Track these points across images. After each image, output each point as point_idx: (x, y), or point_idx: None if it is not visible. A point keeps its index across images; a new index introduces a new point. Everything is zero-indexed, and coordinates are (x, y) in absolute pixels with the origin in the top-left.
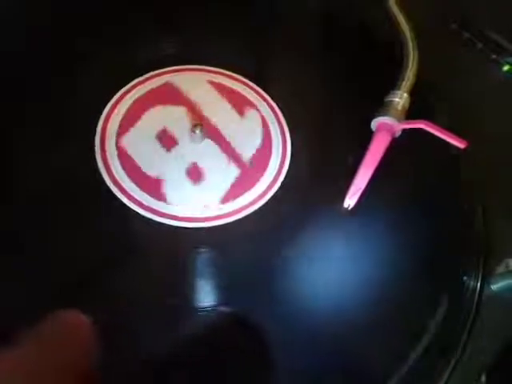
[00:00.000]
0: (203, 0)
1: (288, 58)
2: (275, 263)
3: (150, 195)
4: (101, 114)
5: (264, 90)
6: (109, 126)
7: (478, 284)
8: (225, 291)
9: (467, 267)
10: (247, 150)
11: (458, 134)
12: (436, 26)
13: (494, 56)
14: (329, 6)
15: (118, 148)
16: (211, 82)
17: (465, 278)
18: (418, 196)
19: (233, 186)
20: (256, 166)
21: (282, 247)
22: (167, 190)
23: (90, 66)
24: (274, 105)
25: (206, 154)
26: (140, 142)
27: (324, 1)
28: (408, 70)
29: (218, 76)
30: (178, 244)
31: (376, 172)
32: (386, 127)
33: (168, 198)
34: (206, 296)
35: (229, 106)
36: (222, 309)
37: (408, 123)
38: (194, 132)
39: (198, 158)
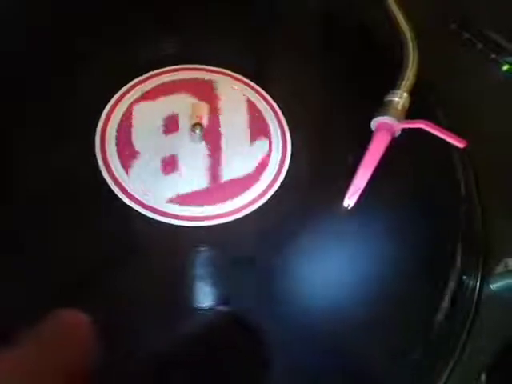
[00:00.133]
0: (203, 0)
1: (288, 57)
2: (275, 262)
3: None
4: (101, 113)
5: (264, 89)
6: (109, 125)
7: (478, 284)
8: (224, 290)
9: (466, 267)
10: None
11: (458, 133)
12: (436, 25)
13: (493, 56)
14: (329, 6)
15: (118, 147)
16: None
17: (464, 277)
18: (418, 195)
19: (194, 193)
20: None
21: (282, 246)
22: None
23: (89, 65)
24: (275, 104)
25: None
26: (139, 142)
27: (324, 1)
28: (408, 70)
29: (217, 76)
30: (179, 243)
31: (376, 172)
32: (386, 127)
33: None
34: (205, 295)
35: (228, 106)
36: (222, 308)
37: (408, 123)
38: (193, 132)
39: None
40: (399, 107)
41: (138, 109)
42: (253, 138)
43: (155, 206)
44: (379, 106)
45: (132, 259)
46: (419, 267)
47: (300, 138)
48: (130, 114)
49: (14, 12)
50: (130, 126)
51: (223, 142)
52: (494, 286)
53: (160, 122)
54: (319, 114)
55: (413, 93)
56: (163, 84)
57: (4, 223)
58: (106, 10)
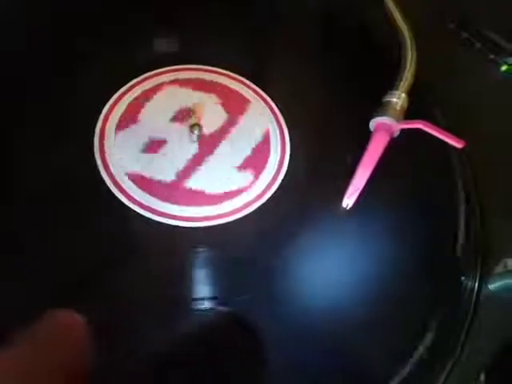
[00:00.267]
0: (203, 0)
1: (287, 58)
2: (274, 263)
3: (150, 194)
4: (100, 113)
5: (263, 89)
6: (108, 125)
7: (476, 284)
8: (223, 291)
9: (465, 267)
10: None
11: (456, 133)
12: (434, 25)
13: (492, 56)
14: (328, 6)
15: (132, 177)
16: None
17: (463, 277)
18: (416, 196)
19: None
20: (255, 166)
21: (281, 247)
22: None
23: (89, 66)
24: (273, 105)
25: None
26: (139, 141)
27: (324, 1)
28: (406, 71)
29: (217, 76)
30: (177, 243)
31: (374, 172)
32: (385, 127)
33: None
34: (204, 295)
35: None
36: (221, 308)
37: (406, 123)
38: (192, 132)
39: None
40: (398, 108)
41: (127, 132)
42: (244, 118)
43: (153, 207)
44: (378, 106)
45: (131, 259)
46: (418, 267)
47: (299, 138)
48: (129, 114)
49: (13, 12)
50: (129, 125)
51: (223, 142)
52: (492, 287)
53: (160, 122)
54: (318, 115)
55: (411, 93)
56: (163, 84)
57: (4, 223)
58: (105, 10)
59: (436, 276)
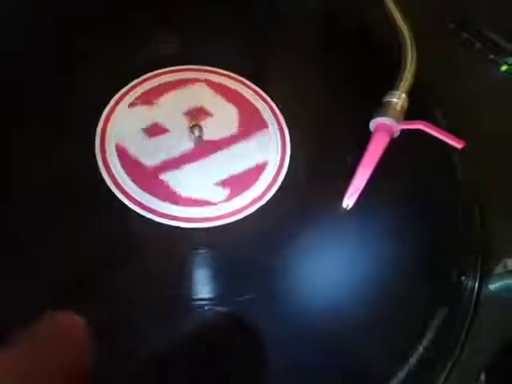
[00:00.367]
0: (203, 0)
1: (287, 58)
2: (275, 263)
3: (151, 195)
4: (101, 114)
5: (263, 90)
6: (109, 126)
7: (476, 284)
8: (224, 292)
9: (465, 267)
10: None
11: (456, 133)
12: (434, 25)
13: (492, 56)
14: (328, 7)
15: (118, 148)
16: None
17: (463, 277)
18: (417, 196)
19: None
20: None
21: (282, 248)
22: None
23: (89, 66)
24: (274, 105)
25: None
26: (140, 142)
27: (324, 1)
28: (406, 71)
29: (217, 76)
30: (178, 244)
31: (375, 172)
32: (385, 128)
33: None
34: (204, 296)
35: (228, 106)
36: (221, 309)
37: (406, 124)
38: (192, 132)
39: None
40: (398, 108)
41: (138, 109)
42: (252, 138)
43: (154, 208)
44: (378, 106)
45: (131, 260)
46: (418, 267)
47: (299, 138)
48: (130, 114)
49: (14, 12)
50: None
51: (222, 143)
52: (492, 287)
53: (161, 123)
54: (318, 115)
55: (411, 93)
56: (164, 84)
57: (4, 223)
58: (106, 10)
59: (436, 276)
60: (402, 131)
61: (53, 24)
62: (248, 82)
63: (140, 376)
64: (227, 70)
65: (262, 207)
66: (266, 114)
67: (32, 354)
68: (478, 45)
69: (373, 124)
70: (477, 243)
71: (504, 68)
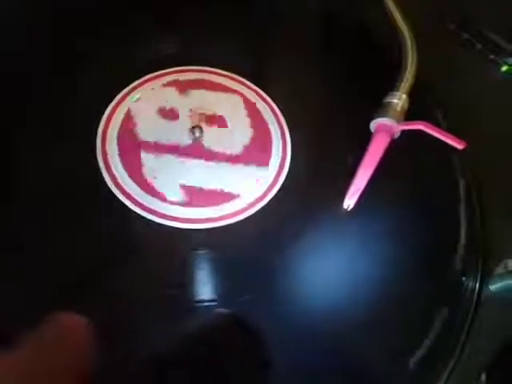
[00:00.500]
0: (203, 0)
1: (288, 58)
2: (276, 264)
3: (151, 196)
4: (102, 114)
5: (264, 90)
6: (110, 127)
7: (477, 284)
8: (224, 293)
9: (466, 267)
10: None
11: (457, 134)
12: (434, 25)
13: (492, 56)
14: (328, 7)
15: (120, 149)
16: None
17: (463, 278)
18: (417, 196)
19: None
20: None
21: (283, 249)
22: None
23: (90, 66)
24: (274, 105)
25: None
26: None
27: (324, 1)
28: (407, 72)
29: (217, 77)
30: (178, 245)
31: (375, 173)
32: (385, 128)
33: None
34: (205, 297)
35: (228, 106)
36: (222, 310)
37: (407, 124)
38: (193, 133)
39: None
40: (398, 109)
41: (139, 110)
42: (252, 138)
43: (155, 208)
44: (378, 107)
45: (131, 261)
46: (419, 268)
47: (300, 139)
48: (131, 115)
49: (14, 12)
50: (132, 127)
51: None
52: (493, 287)
53: (162, 123)
54: (319, 115)
55: (411, 93)
56: (166, 84)
57: (4, 223)
58: (108, 10)
59: (437, 276)
60: (403, 132)
61: (53, 24)
62: (248, 83)
63: (140, 376)
64: (228, 70)
65: (262, 208)
66: (267, 115)
67: (36, 356)
68: (479, 45)
69: (373, 125)
70: (477, 243)
71: (504, 68)
